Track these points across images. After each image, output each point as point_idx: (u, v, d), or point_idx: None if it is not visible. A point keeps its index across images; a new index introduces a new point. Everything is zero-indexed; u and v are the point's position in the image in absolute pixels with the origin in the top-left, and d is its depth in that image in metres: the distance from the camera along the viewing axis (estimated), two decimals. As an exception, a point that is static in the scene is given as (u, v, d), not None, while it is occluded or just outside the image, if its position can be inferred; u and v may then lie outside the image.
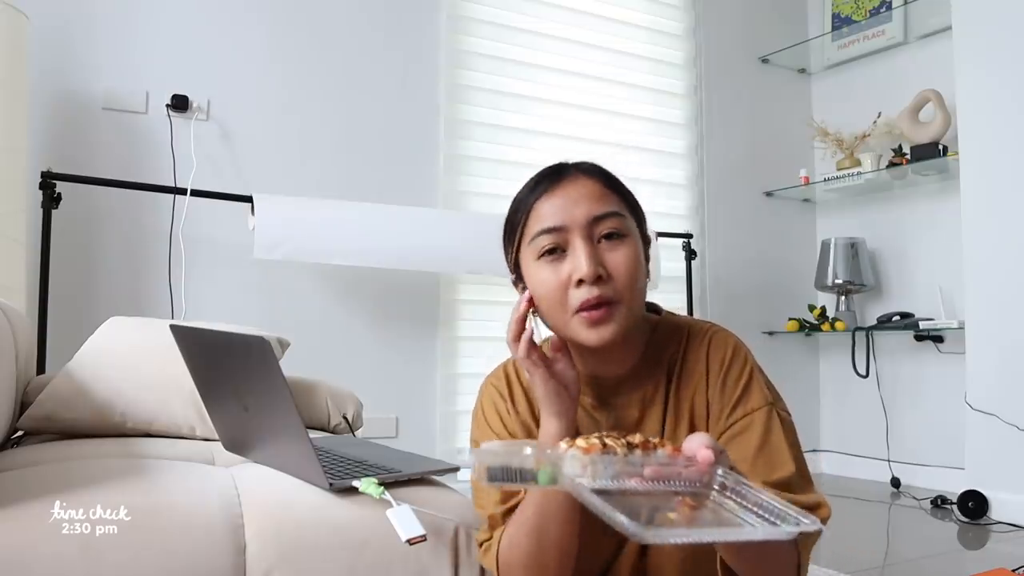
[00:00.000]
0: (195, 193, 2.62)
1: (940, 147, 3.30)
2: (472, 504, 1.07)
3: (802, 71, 4.06)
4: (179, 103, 2.70)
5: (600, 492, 0.65)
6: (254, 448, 1.27)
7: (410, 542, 0.97)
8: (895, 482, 3.33)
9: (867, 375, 3.51)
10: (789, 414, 0.98)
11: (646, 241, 0.99)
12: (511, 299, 0.97)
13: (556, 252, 0.93)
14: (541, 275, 0.94)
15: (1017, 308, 2.74)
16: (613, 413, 1.01)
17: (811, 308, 3.76)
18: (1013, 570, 1.89)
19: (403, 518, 0.99)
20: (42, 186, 2.37)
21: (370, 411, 2.08)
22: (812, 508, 0.89)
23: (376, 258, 2.77)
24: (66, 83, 2.58)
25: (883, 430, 3.50)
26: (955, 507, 2.77)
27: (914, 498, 3.04)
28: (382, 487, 1.05)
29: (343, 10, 3.01)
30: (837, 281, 3.62)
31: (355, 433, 1.83)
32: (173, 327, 1.30)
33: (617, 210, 0.94)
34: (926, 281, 3.46)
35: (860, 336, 3.55)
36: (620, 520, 0.59)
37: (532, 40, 3.34)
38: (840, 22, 3.90)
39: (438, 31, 3.17)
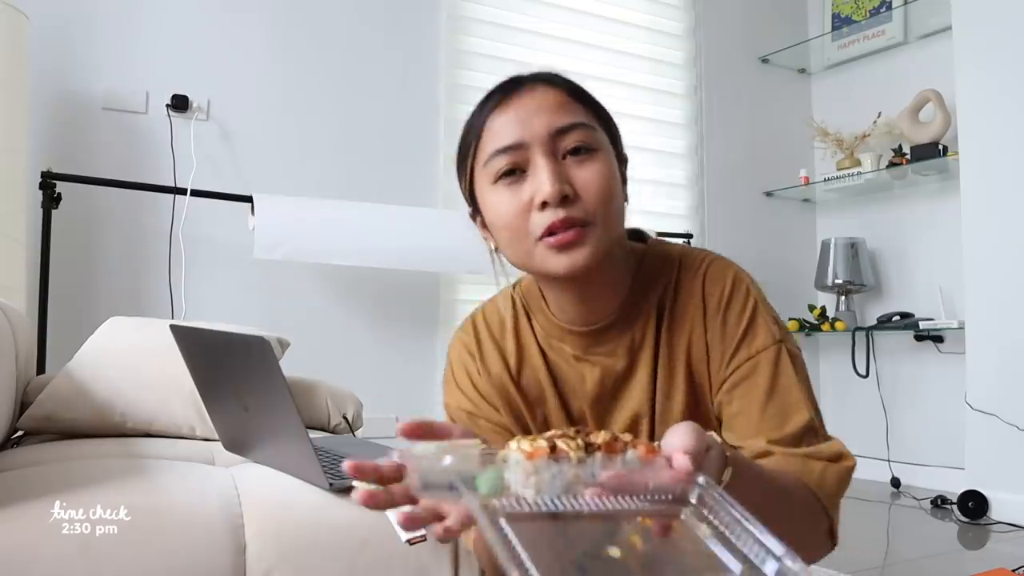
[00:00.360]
0: (195, 193, 2.62)
1: (940, 147, 3.30)
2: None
3: (802, 71, 4.06)
4: (179, 103, 2.70)
5: (551, 514, 0.51)
6: (254, 448, 1.27)
7: (410, 542, 0.97)
8: (895, 482, 3.33)
9: (867, 375, 3.51)
10: (799, 348, 0.87)
11: (622, 160, 0.87)
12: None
13: (515, 174, 0.80)
14: (498, 201, 0.81)
15: (1017, 308, 2.74)
16: (598, 365, 0.89)
17: (811, 308, 3.76)
18: (1013, 570, 1.89)
19: (403, 518, 0.99)
20: (42, 186, 2.37)
21: (370, 411, 2.08)
22: (835, 459, 0.82)
23: (376, 258, 2.77)
24: (66, 83, 2.58)
25: (883, 430, 3.50)
26: (955, 507, 2.77)
27: (914, 498, 3.04)
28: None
29: (343, 10, 3.01)
30: (837, 281, 3.62)
31: (355, 433, 1.83)
32: (173, 327, 1.30)
33: (583, 120, 0.80)
34: (926, 281, 3.46)
35: (860, 336, 3.55)
36: None
37: (532, 40, 3.34)
38: (840, 22, 3.90)
39: (438, 31, 3.17)
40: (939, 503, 2.90)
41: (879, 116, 3.55)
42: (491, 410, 0.92)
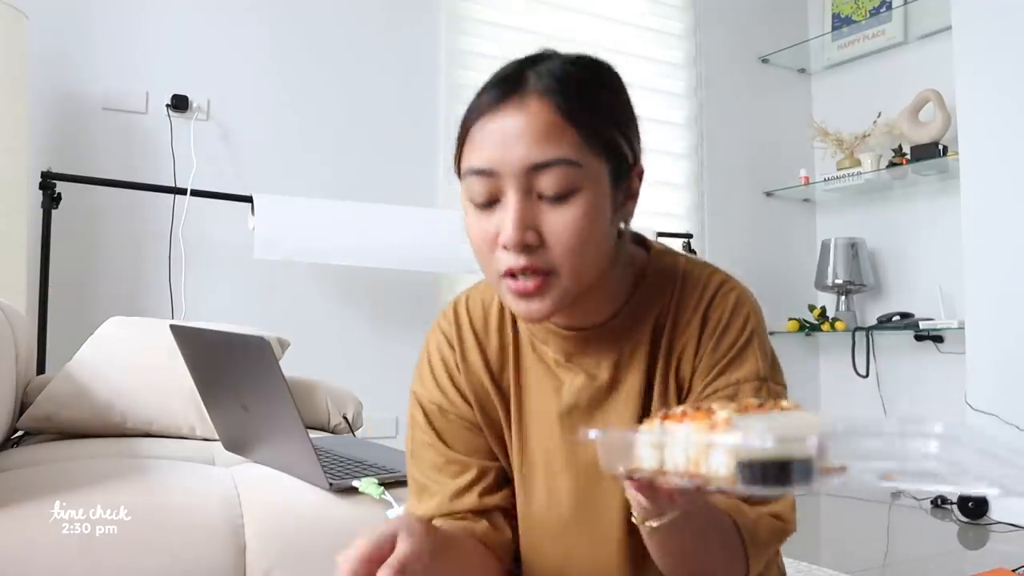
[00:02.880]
0: (195, 193, 2.62)
1: (940, 147, 3.30)
2: None
3: (802, 71, 4.05)
4: (179, 103, 2.70)
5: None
6: (254, 448, 1.27)
7: (410, 542, 0.97)
8: (895, 482, 3.33)
9: (867, 375, 3.51)
10: (784, 387, 0.82)
11: (634, 174, 0.79)
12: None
13: (487, 201, 0.74)
14: (470, 223, 0.76)
15: (1017, 308, 2.74)
16: (580, 374, 0.83)
17: (811, 308, 3.76)
18: (1013, 570, 1.89)
19: (403, 518, 0.99)
20: (42, 186, 2.37)
21: (370, 411, 2.08)
22: (776, 515, 0.76)
23: (376, 258, 2.77)
24: (66, 83, 2.58)
25: (883, 430, 3.49)
26: (955, 507, 2.77)
27: (914, 498, 3.04)
28: (382, 487, 1.05)
29: (343, 10, 3.01)
30: (837, 281, 3.62)
31: (355, 433, 1.83)
32: (173, 327, 1.30)
33: (566, 156, 0.71)
34: (926, 281, 3.46)
35: (860, 336, 3.55)
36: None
37: (532, 40, 3.33)
38: (840, 22, 3.90)
39: (438, 31, 3.17)
40: (939, 503, 2.90)
41: (879, 116, 3.55)
42: (465, 407, 0.87)
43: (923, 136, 3.34)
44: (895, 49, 3.68)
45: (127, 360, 1.62)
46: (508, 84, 0.75)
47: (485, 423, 0.87)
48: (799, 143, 3.95)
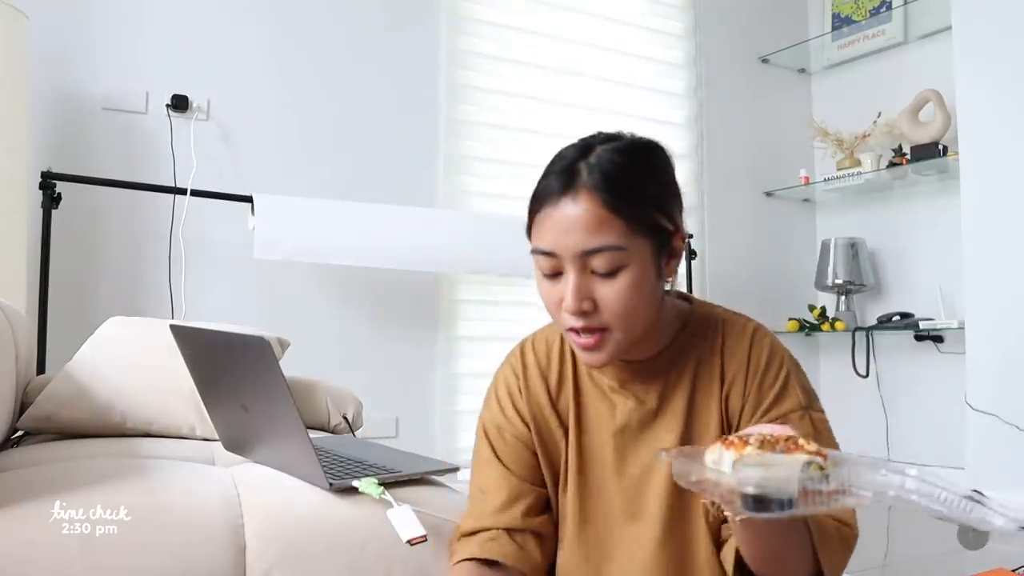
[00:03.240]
0: (195, 193, 2.62)
1: (940, 147, 3.30)
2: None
3: (802, 71, 4.06)
4: (179, 103, 2.70)
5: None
6: (254, 448, 1.26)
7: (411, 542, 0.97)
8: (895, 482, 3.33)
9: (867, 375, 3.51)
10: (822, 412, 0.97)
11: (679, 238, 0.93)
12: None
13: (552, 271, 0.91)
14: (540, 283, 0.93)
15: (1017, 308, 2.74)
16: (632, 398, 0.98)
17: (811, 308, 3.76)
18: (1013, 570, 1.89)
19: (403, 518, 0.99)
20: (42, 186, 2.37)
21: (370, 411, 2.08)
22: (846, 523, 0.90)
23: (376, 258, 2.77)
24: (66, 83, 2.58)
25: (883, 430, 3.50)
26: (955, 507, 2.77)
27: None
28: (382, 487, 1.05)
29: (343, 10, 3.01)
30: (837, 281, 3.62)
31: (355, 433, 1.83)
32: (173, 327, 1.30)
33: (613, 243, 0.86)
34: (926, 281, 3.46)
35: (860, 336, 3.55)
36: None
37: (532, 40, 3.34)
38: (840, 22, 3.90)
39: (438, 31, 3.17)
40: (939, 503, 2.90)
41: (879, 116, 3.55)
42: (522, 427, 1.02)
43: (923, 136, 3.34)
44: (895, 49, 3.68)
45: (127, 360, 1.62)
46: (565, 177, 0.89)
47: (539, 443, 1.01)
48: (799, 143, 3.95)
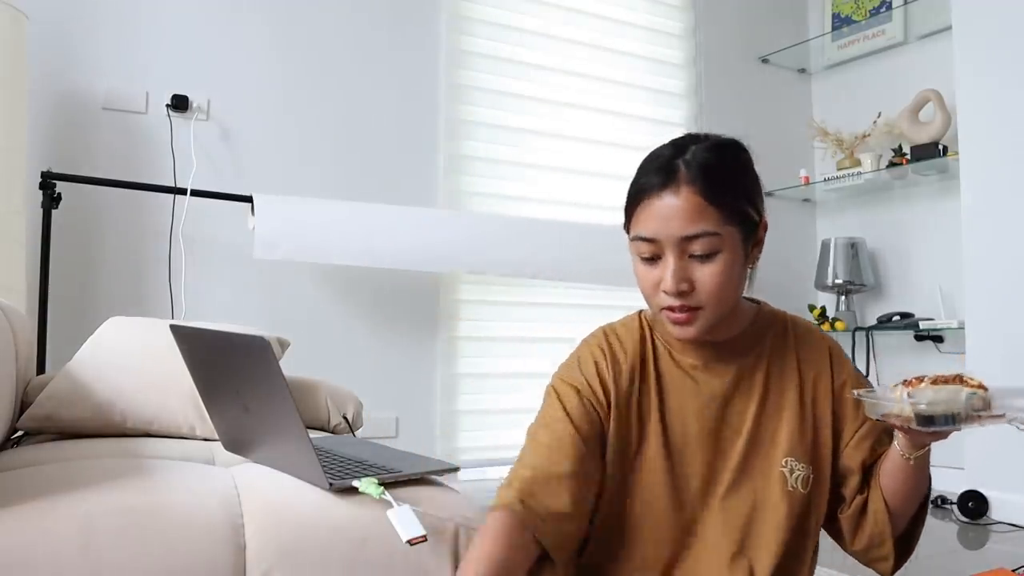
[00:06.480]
0: (195, 193, 2.62)
1: (940, 147, 3.30)
2: (471, 502, 1.07)
3: (802, 71, 4.06)
4: (179, 103, 2.70)
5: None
6: (254, 448, 1.26)
7: (411, 542, 0.97)
8: (895, 482, 3.33)
9: (867, 375, 3.50)
10: (871, 386, 1.10)
11: (760, 228, 1.04)
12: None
13: (652, 257, 1.00)
14: (637, 268, 1.03)
15: (1017, 308, 2.74)
16: (716, 376, 1.08)
17: (811, 308, 3.76)
18: (1013, 570, 1.89)
19: (403, 518, 0.99)
20: (42, 186, 2.37)
21: (370, 411, 2.08)
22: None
23: (376, 258, 2.77)
24: (66, 83, 2.58)
25: (883, 430, 3.49)
26: (955, 507, 2.77)
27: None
28: (382, 487, 1.05)
29: (343, 10, 3.01)
30: (837, 281, 3.62)
31: (355, 433, 1.83)
32: (173, 327, 1.30)
33: (710, 229, 0.97)
34: (926, 281, 3.46)
35: (860, 336, 3.55)
36: None
37: (532, 40, 3.34)
38: (840, 22, 3.90)
39: (438, 31, 3.17)
40: (939, 503, 2.90)
41: (879, 116, 3.55)
42: (602, 393, 1.07)
43: (923, 136, 3.34)
44: (895, 49, 3.68)
45: (127, 360, 1.62)
46: (665, 172, 0.99)
47: (615, 417, 1.06)
48: (799, 143, 3.95)
